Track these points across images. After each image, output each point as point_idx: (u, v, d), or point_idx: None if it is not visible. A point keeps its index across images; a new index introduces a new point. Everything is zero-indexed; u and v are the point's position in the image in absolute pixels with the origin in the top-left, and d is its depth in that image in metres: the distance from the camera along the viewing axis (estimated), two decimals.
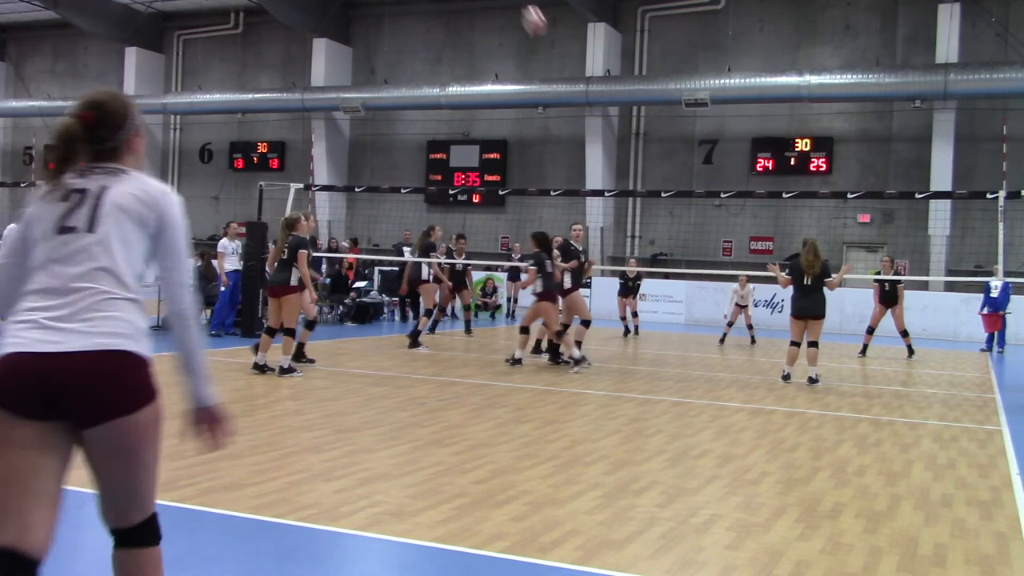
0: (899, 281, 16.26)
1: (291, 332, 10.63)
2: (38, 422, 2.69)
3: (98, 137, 2.91)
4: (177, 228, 2.92)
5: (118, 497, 2.83)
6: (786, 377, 11.68)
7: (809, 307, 11.48)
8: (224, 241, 14.76)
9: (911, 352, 15.67)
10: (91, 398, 2.67)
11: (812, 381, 11.45)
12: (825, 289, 11.55)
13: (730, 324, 17.54)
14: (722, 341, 17.24)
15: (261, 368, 10.44)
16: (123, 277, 2.81)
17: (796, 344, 11.67)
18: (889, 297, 15.74)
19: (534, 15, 12.36)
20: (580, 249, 12.91)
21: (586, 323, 12.71)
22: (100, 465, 2.79)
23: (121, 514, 2.85)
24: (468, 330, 16.74)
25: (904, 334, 15.74)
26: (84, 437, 2.74)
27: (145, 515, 2.87)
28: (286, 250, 10.64)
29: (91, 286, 2.75)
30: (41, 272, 2.79)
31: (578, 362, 11.97)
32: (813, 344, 11.52)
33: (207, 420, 3.03)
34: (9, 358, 2.68)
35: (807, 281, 11.47)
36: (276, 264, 10.79)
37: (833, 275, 11.71)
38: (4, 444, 2.69)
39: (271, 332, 10.68)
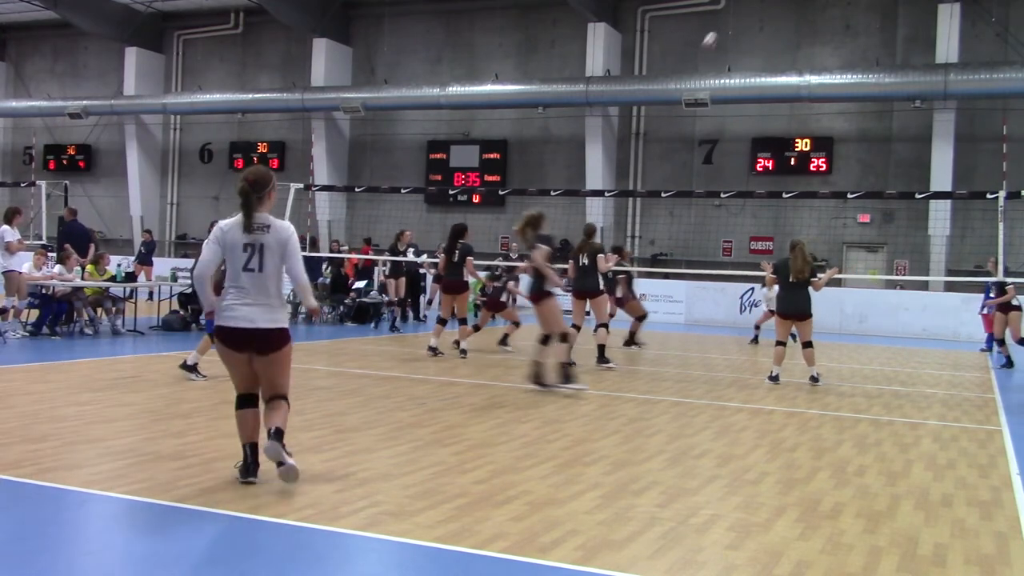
0: (1005, 283, 14.60)
1: None
2: (243, 353, 5.65)
3: (255, 190, 5.65)
4: (293, 246, 5.71)
5: (272, 383, 5.74)
6: (774, 378, 11.50)
7: (793, 306, 11.40)
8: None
9: (1010, 362, 14.72)
10: (267, 345, 5.65)
11: (814, 380, 11.40)
12: (811, 289, 11.49)
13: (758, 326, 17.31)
14: (755, 341, 17.21)
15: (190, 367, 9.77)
16: (275, 291, 5.69)
17: (782, 344, 11.59)
18: (1008, 303, 14.54)
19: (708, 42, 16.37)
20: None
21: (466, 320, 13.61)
22: (265, 369, 5.70)
23: (273, 390, 5.73)
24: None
25: (1021, 342, 14.48)
26: (259, 359, 5.66)
27: (283, 392, 5.77)
28: None
29: (262, 298, 5.64)
30: (237, 283, 5.64)
31: (463, 350, 13.09)
32: (808, 345, 11.47)
33: (310, 311, 6.47)
34: (230, 328, 5.62)
35: (792, 279, 11.38)
36: None
37: (820, 275, 11.65)
38: (234, 361, 5.73)
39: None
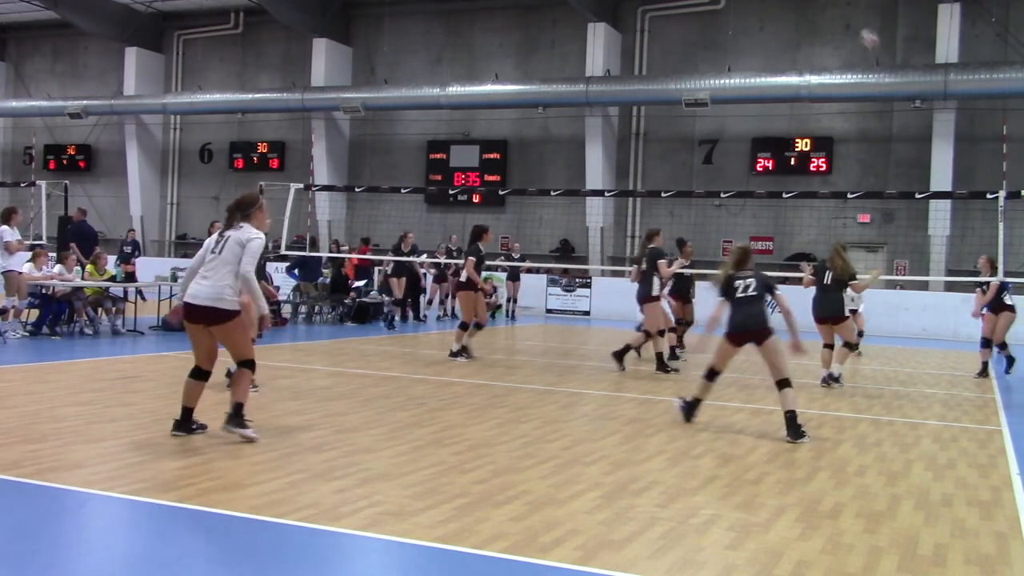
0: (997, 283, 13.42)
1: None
2: (196, 324, 6.81)
3: (239, 209, 6.98)
4: (249, 246, 6.77)
5: (233, 351, 6.92)
6: (834, 378, 11.37)
7: (829, 308, 11.27)
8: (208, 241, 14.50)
9: (1011, 364, 13.71)
10: (209, 319, 6.76)
11: (830, 380, 11.25)
12: (850, 291, 11.41)
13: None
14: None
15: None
16: (228, 272, 6.74)
17: (829, 347, 11.40)
18: (998, 302, 13.37)
19: (870, 37, 17.32)
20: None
21: (463, 325, 12.89)
22: (222, 339, 6.87)
23: (235, 357, 6.96)
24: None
25: (1002, 346, 13.63)
26: (214, 330, 6.81)
27: (243, 358, 6.91)
28: None
29: (215, 278, 6.74)
30: (205, 265, 6.82)
31: (456, 354, 12.65)
32: (847, 345, 11.39)
33: (262, 320, 7.05)
34: (184, 303, 6.83)
35: (827, 280, 11.27)
36: None
37: (861, 277, 11.60)
38: (193, 333, 6.86)
39: None
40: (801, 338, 8.22)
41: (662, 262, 12.22)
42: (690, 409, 8.46)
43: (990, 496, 6.13)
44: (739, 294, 8.23)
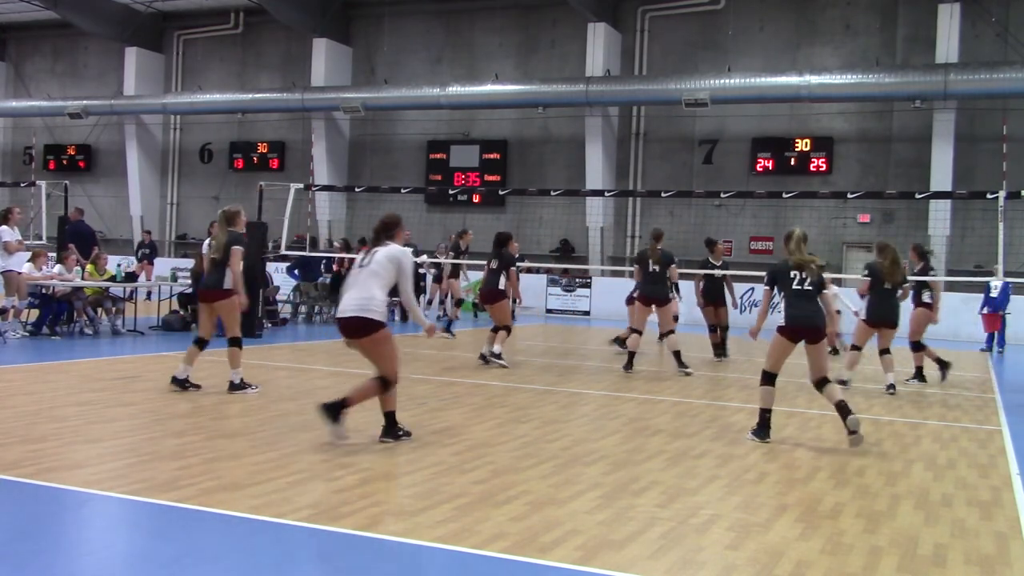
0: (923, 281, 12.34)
1: (236, 341, 9.18)
2: (347, 339, 6.95)
3: (383, 230, 7.11)
4: (404, 266, 6.96)
5: (376, 366, 6.91)
6: (844, 383, 10.98)
7: (887, 313, 10.99)
8: (208, 241, 14.46)
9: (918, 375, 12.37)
10: (354, 331, 6.84)
11: (891, 388, 10.99)
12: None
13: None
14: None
15: (182, 383, 9.06)
16: (375, 284, 6.88)
17: (858, 348, 11.19)
18: (916, 298, 12.31)
19: None
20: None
21: (507, 329, 12.47)
22: (365, 354, 6.97)
23: (379, 373, 6.87)
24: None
25: (916, 347, 12.25)
26: (357, 344, 6.90)
27: (382, 374, 6.86)
28: (221, 248, 9.24)
29: (361, 291, 6.86)
30: (353, 279, 7.07)
31: (496, 356, 12.23)
32: (886, 351, 11.20)
33: (427, 332, 7.32)
34: (338, 318, 7.00)
35: (887, 286, 10.96)
36: (211, 264, 9.38)
37: (911, 280, 11.42)
38: (359, 351, 7.00)
39: (199, 343, 9.20)
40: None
41: (674, 267, 12.54)
42: (762, 427, 7.70)
43: (990, 496, 6.13)
44: (795, 286, 7.67)
